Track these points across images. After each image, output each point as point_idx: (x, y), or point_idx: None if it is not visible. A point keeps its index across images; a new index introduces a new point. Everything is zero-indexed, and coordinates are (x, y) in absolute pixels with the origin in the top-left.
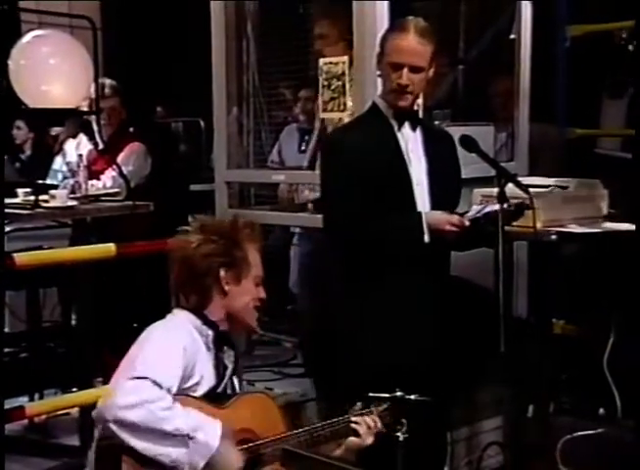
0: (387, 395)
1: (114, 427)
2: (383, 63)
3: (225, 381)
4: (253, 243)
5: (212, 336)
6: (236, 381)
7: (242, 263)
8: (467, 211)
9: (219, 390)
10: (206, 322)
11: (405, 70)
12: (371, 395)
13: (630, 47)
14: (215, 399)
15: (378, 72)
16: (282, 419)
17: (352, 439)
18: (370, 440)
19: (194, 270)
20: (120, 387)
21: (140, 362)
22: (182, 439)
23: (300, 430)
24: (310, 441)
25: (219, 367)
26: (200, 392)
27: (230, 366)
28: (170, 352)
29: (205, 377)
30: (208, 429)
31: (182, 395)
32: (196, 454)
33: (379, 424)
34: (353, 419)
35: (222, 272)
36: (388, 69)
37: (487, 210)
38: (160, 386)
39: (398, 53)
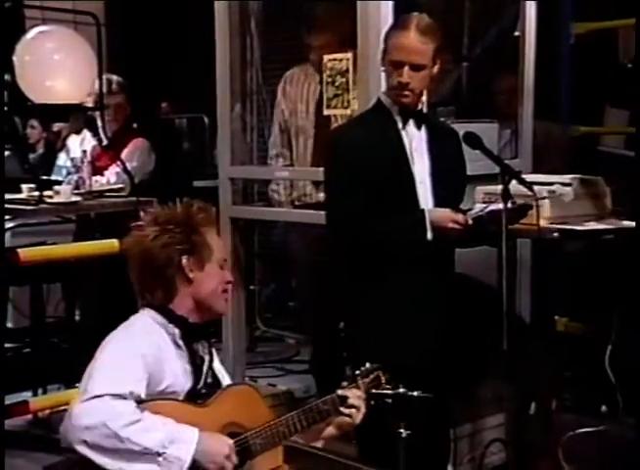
0: (370, 369)
1: (80, 449)
2: (385, 60)
3: (204, 375)
4: (210, 226)
5: (179, 333)
6: (221, 370)
7: (202, 248)
8: (470, 209)
9: (200, 385)
10: (172, 319)
11: (406, 69)
12: (356, 372)
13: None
14: (197, 397)
15: (382, 69)
16: (268, 408)
17: (343, 418)
18: (360, 417)
19: (154, 263)
20: (79, 407)
21: (97, 376)
22: (151, 457)
23: (287, 415)
24: (299, 424)
25: (195, 362)
26: (177, 391)
27: (206, 358)
28: (128, 359)
29: (178, 376)
30: (180, 440)
31: (158, 399)
32: (175, 463)
33: (363, 406)
34: (340, 392)
35: (184, 260)
36: (390, 66)
37: (491, 208)
38: (122, 397)
39: (399, 51)
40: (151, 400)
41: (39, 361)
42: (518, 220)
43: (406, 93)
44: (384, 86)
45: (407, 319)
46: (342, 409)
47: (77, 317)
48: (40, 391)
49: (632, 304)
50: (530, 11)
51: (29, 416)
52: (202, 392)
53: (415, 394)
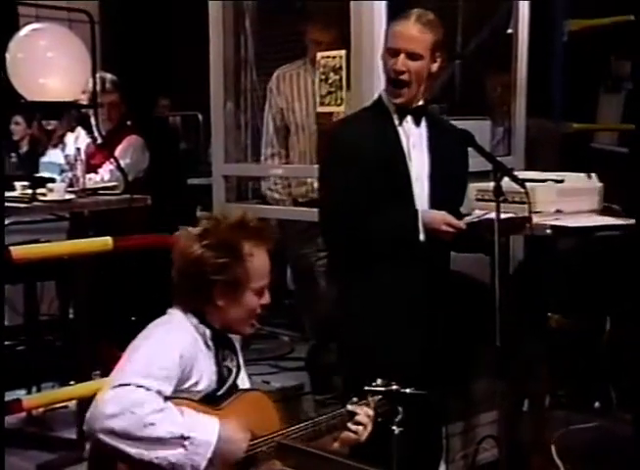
0: (381, 386)
1: (103, 437)
2: (384, 50)
3: (228, 385)
4: (261, 247)
5: (210, 334)
6: (245, 380)
7: (241, 280)
8: (468, 214)
9: (220, 393)
10: (203, 321)
11: (402, 56)
12: (366, 388)
13: None
14: (213, 401)
15: (382, 64)
16: (278, 416)
17: (348, 433)
18: (366, 435)
19: (190, 280)
20: (103, 396)
21: (129, 367)
22: (177, 440)
23: (296, 426)
24: (306, 436)
25: (221, 367)
26: (199, 389)
27: (234, 370)
28: (165, 355)
29: (204, 375)
30: (205, 426)
31: (177, 398)
32: (195, 454)
33: (370, 424)
34: (350, 408)
35: (217, 289)
36: (387, 55)
37: (487, 217)
38: (146, 388)
39: (396, 38)
40: (171, 398)
41: (33, 359)
42: (513, 232)
43: (402, 85)
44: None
45: (400, 317)
46: (349, 425)
47: (71, 315)
48: (34, 389)
49: (625, 300)
50: (523, 9)
51: (23, 414)
52: (219, 396)
53: (408, 391)
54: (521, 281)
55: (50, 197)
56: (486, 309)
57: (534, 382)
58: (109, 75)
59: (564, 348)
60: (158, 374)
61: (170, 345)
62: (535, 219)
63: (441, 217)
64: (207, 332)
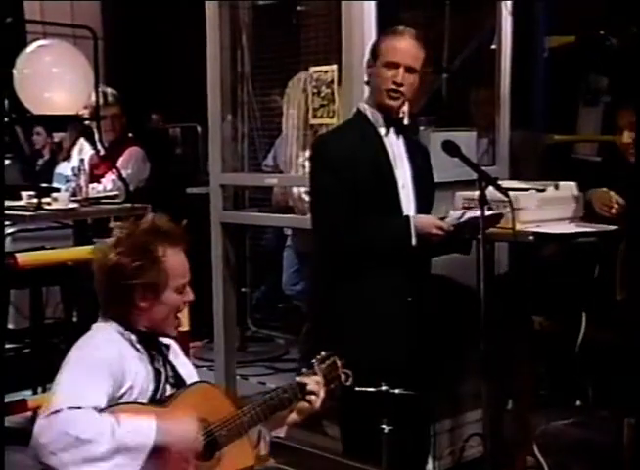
0: (324, 353)
1: (52, 464)
2: (376, 64)
3: (162, 387)
4: (176, 247)
5: (136, 338)
6: (194, 375)
7: (159, 280)
8: (446, 217)
9: (159, 392)
10: (128, 327)
11: (401, 70)
12: (313, 360)
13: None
14: (158, 400)
15: (366, 78)
16: (229, 402)
17: (303, 403)
18: (319, 402)
19: (111, 288)
20: (38, 425)
21: (57, 394)
22: (116, 450)
23: (250, 405)
24: (262, 414)
25: (154, 368)
26: (136, 391)
27: (163, 371)
28: (89, 372)
29: (138, 377)
30: (139, 426)
31: (119, 405)
32: (135, 459)
33: (322, 392)
34: (298, 379)
35: (138, 292)
36: (384, 68)
37: (468, 216)
38: (78, 408)
39: (395, 52)
40: (111, 406)
41: (38, 361)
42: (492, 226)
43: (397, 96)
44: (365, 95)
45: (388, 319)
46: (302, 396)
47: (75, 319)
48: (39, 389)
49: (600, 303)
50: (506, 25)
51: (28, 414)
52: (160, 398)
53: (397, 391)
54: (505, 285)
55: (55, 205)
56: (471, 312)
57: (518, 382)
58: (109, 89)
59: (546, 349)
60: (87, 391)
61: (94, 359)
62: (518, 227)
63: (432, 222)
64: (133, 337)
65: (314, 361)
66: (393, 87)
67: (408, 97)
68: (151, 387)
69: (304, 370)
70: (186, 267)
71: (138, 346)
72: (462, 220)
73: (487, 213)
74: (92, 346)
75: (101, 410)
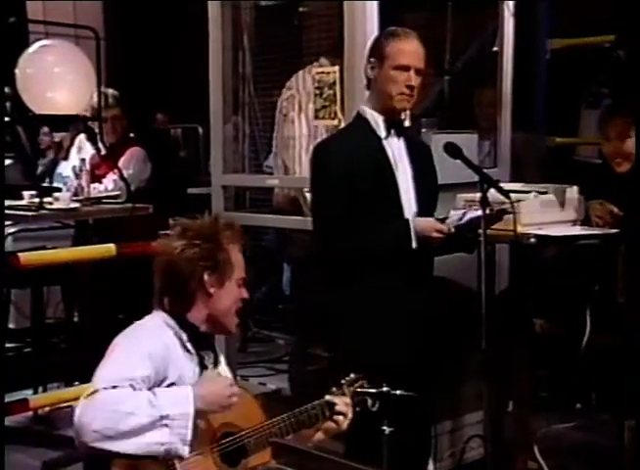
0: (354, 380)
1: (95, 445)
2: (383, 68)
3: None
4: (235, 244)
5: (187, 337)
6: (228, 373)
7: (225, 266)
8: (446, 217)
9: None
10: (182, 325)
11: (412, 72)
12: (342, 381)
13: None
14: None
15: (367, 81)
16: (260, 409)
17: (330, 423)
18: (346, 424)
19: (178, 275)
20: (80, 406)
21: (99, 375)
22: (158, 422)
23: (279, 417)
24: (290, 427)
25: (203, 369)
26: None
27: (210, 367)
28: (132, 359)
29: (185, 377)
30: (178, 398)
31: None
32: (179, 427)
33: (349, 413)
34: (328, 398)
35: (206, 276)
36: (395, 72)
37: (469, 216)
38: (118, 387)
39: (405, 55)
40: None
41: (39, 361)
42: (495, 223)
43: (409, 98)
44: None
45: (390, 321)
46: (329, 415)
47: (76, 318)
48: (40, 389)
49: (603, 306)
50: (509, 27)
51: (30, 413)
52: None
53: (398, 392)
54: (506, 287)
55: (56, 205)
56: (473, 314)
57: (519, 384)
58: (110, 91)
59: (547, 351)
60: (127, 375)
61: (138, 346)
62: (520, 229)
63: (431, 225)
64: (184, 335)
65: (343, 382)
66: (407, 91)
67: (415, 97)
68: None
69: (334, 389)
70: (244, 264)
71: (188, 346)
72: (462, 222)
73: (488, 212)
74: (138, 334)
75: None
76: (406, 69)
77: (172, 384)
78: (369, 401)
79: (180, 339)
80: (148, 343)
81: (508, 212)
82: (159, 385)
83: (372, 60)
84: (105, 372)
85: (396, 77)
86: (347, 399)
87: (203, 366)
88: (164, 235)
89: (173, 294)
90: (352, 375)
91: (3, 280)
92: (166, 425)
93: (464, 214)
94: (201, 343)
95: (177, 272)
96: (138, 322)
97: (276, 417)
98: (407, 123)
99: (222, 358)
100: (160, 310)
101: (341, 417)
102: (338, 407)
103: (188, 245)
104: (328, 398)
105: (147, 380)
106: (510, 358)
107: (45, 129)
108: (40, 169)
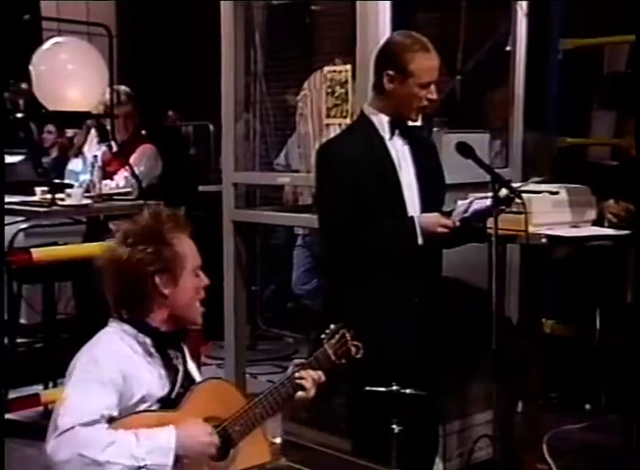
0: (333, 327)
1: None
2: (407, 83)
3: (179, 383)
4: (182, 233)
5: (151, 342)
6: (195, 372)
7: (175, 263)
8: (453, 209)
9: (174, 393)
10: (143, 330)
11: (432, 86)
12: (322, 336)
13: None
14: (169, 403)
15: (379, 86)
16: (241, 397)
17: (299, 393)
18: (314, 391)
19: (128, 282)
20: (52, 444)
21: (64, 410)
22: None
23: (256, 399)
24: (270, 407)
25: (170, 368)
26: (150, 400)
27: (181, 368)
28: (94, 388)
29: (153, 385)
30: (158, 447)
31: (131, 414)
32: None
33: (322, 377)
34: (297, 375)
35: (157, 278)
36: (418, 88)
37: (474, 207)
38: (91, 424)
39: (429, 73)
40: (123, 417)
41: (50, 356)
42: (502, 211)
43: (428, 108)
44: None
45: (399, 319)
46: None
47: (87, 314)
48: (51, 384)
49: (614, 307)
50: (521, 27)
51: (40, 408)
52: (175, 398)
53: (408, 391)
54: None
55: (68, 202)
56: (483, 313)
57: (528, 384)
58: (122, 88)
59: (556, 352)
60: (94, 405)
61: (96, 374)
62: (531, 229)
63: (436, 220)
64: (148, 340)
65: (323, 336)
66: (428, 103)
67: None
68: (166, 389)
69: (297, 361)
70: (196, 250)
71: (152, 350)
72: (468, 214)
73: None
74: (96, 356)
75: (111, 419)
76: (429, 85)
77: (142, 398)
78: (352, 350)
79: (142, 343)
80: (108, 366)
81: (513, 199)
82: (128, 402)
83: (390, 73)
84: (74, 404)
85: (420, 93)
86: (314, 374)
87: (171, 367)
88: (107, 243)
89: (128, 302)
90: (332, 326)
91: (3, 280)
92: None
93: (470, 204)
94: (168, 343)
95: (127, 279)
96: (89, 344)
97: (252, 401)
98: (419, 123)
99: (188, 357)
100: (114, 320)
101: (310, 385)
102: (298, 381)
103: (132, 251)
104: (297, 374)
105: (114, 406)
106: (520, 359)
107: (49, 127)
108: (44, 167)
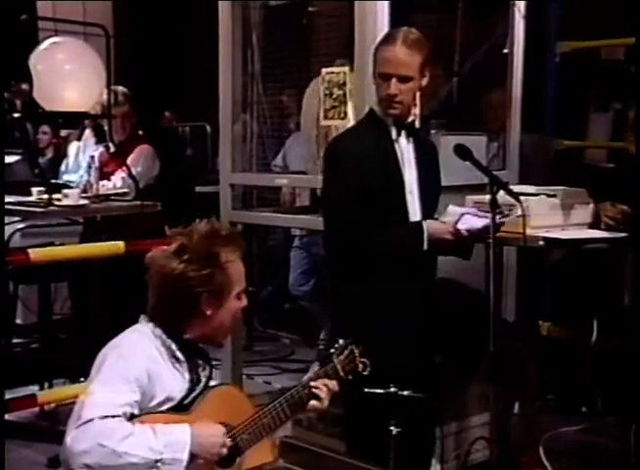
0: (343, 347)
1: None
2: (374, 73)
3: (195, 394)
4: (236, 253)
5: (176, 346)
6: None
7: (224, 287)
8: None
9: (188, 400)
10: (171, 335)
11: (394, 81)
12: (331, 351)
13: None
14: (181, 408)
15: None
16: (250, 404)
17: (313, 402)
18: (327, 401)
19: (174, 297)
20: (73, 434)
21: (88, 402)
22: (151, 464)
23: (267, 408)
24: (279, 417)
25: (193, 375)
26: (169, 404)
27: (203, 380)
28: (119, 384)
29: (174, 390)
30: (174, 441)
31: (146, 414)
32: (173, 467)
33: (336, 387)
34: (312, 384)
35: (204, 300)
36: (379, 79)
37: (466, 225)
38: (111, 417)
39: (386, 64)
40: (139, 415)
41: (46, 357)
42: (498, 231)
43: (395, 105)
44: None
45: (398, 322)
46: (311, 403)
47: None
48: (47, 385)
49: (610, 310)
50: (519, 29)
51: (36, 409)
52: (187, 403)
53: (405, 393)
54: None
55: (65, 202)
56: (480, 315)
57: (525, 386)
58: (120, 88)
59: (553, 354)
60: (117, 401)
61: (126, 370)
62: (528, 231)
63: (445, 227)
64: (173, 345)
65: (332, 351)
66: (388, 99)
67: (407, 103)
68: (183, 394)
69: (316, 363)
70: (244, 273)
71: (178, 354)
72: (478, 229)
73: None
74: (125, 351)
75: (131, 416)
76: (387, 77)
77: (163, 400)
78: (360, 367)
79: (168, 347)
80: (135, 364)
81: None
82: (149, 403)
83: (372, 62)
84: (97, 397)
85: (379, 85)
86: (329, 382)
87: (196, 375)
88: (162, 249)
89: (167, 312)
90: (341, 341)
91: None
92: (158, 468)
93: (460, 217)
94: (193, 351)
95: (173, 294)
96: (120, 338)
97: (262, 409)
98: (416, 125)
99: (214, 375)
100: (150, 320)
101: (324, 402)
102: (314, 390)
103: (185, 268)
104: (313, 384)
105: (136, 404)
106: (517, 361)
107: (44, 128)
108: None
